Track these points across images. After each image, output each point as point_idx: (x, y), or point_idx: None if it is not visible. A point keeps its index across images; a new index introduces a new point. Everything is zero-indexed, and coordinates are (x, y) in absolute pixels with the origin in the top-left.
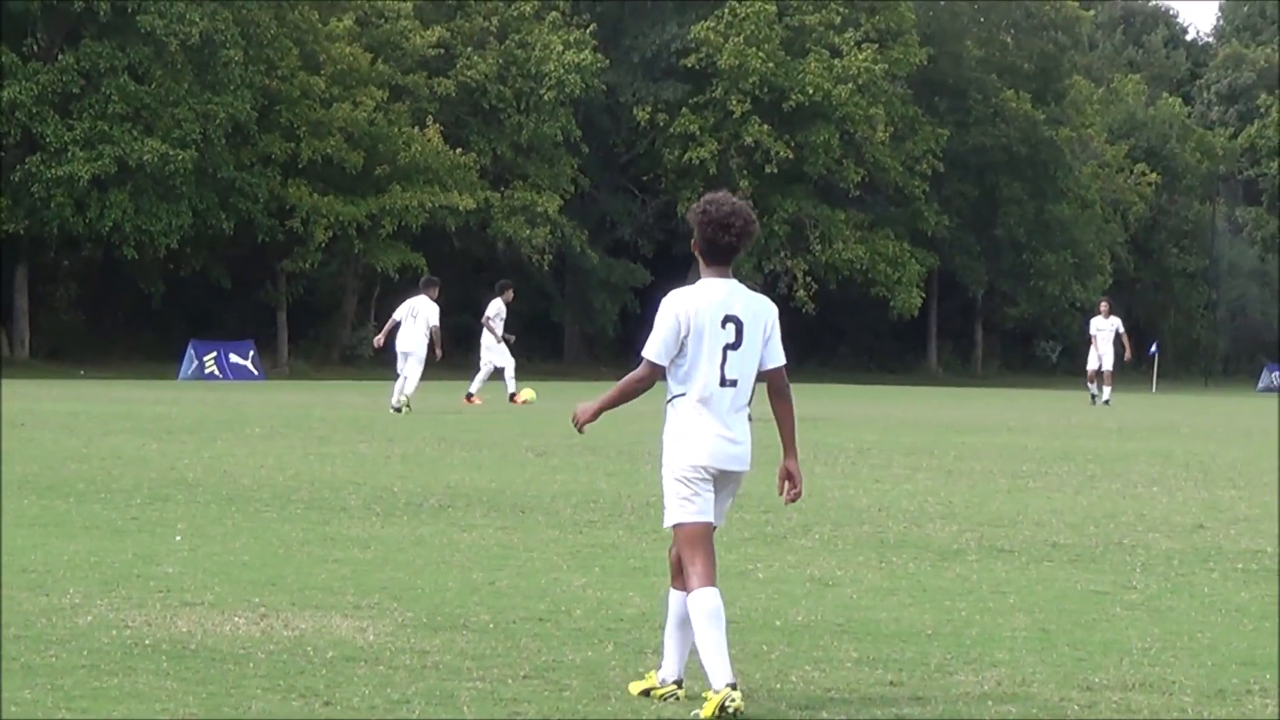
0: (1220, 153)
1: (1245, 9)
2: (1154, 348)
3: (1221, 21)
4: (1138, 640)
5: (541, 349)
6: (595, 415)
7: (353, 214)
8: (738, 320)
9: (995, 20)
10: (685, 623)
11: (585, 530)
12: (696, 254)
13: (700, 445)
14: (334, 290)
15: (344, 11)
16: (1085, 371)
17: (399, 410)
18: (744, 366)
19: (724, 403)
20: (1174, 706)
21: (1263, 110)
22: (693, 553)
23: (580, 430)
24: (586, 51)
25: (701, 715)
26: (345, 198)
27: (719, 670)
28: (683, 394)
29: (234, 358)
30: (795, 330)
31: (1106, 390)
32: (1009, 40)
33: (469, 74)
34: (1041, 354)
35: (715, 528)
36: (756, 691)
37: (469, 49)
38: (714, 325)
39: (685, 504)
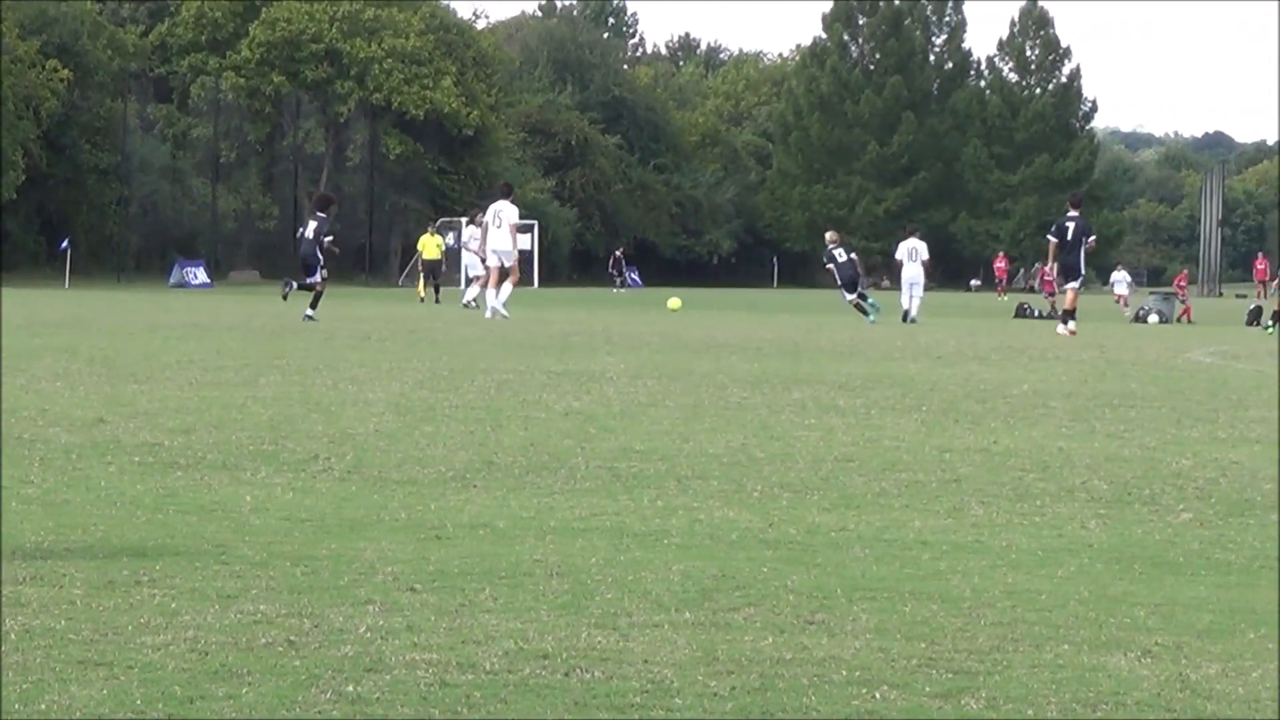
0: (132, 50)
1: None
2: (64, 243)
3: None
4: (31, 535)
5: None
6: None
7: None
8: None
9: None
10: None
11: None
12: None
13: None
14: None
15: None
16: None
17: None
18: None
19: None
20: (63, 599)
21: (173, 9)
22: None
23: None
24: None
25: None
26: None
27: None
28: None
29: None
30: None
31: None
32: None
33: None
34: None
35: None
36: None
37: None
38: None
39: None
